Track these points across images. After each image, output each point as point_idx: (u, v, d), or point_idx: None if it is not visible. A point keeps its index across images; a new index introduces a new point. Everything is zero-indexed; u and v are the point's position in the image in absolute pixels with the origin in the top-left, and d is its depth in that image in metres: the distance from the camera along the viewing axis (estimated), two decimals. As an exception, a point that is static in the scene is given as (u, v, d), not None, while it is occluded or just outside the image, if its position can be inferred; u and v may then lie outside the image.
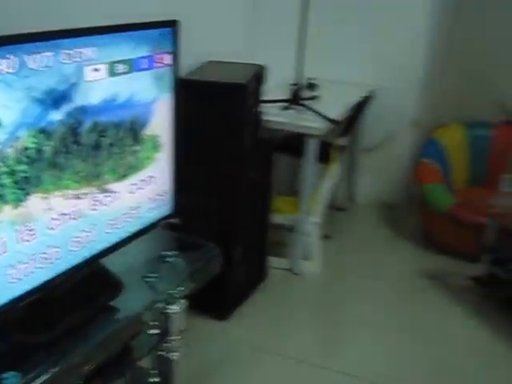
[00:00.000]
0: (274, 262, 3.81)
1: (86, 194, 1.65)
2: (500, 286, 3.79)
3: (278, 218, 3.77)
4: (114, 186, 1.74)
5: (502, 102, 5.57)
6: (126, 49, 1.68)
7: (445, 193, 4.16)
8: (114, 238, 1.80)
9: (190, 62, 3.18)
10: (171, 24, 1.84)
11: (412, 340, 3.33)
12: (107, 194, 1.72)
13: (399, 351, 3.23)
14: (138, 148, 1.81)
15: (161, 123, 1.90)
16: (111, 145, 1.69)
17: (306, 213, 3.76)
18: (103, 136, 1.65)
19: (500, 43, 5.46)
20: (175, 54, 1.88)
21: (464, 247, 4.05)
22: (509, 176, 3.63)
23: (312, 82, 4.06)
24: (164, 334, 1.82)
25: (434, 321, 3.53)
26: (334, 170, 4.04)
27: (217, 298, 3.22)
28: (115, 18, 1.66)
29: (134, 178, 1.82)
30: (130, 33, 1.69)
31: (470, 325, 3.49)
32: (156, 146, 1.90)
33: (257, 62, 3.33)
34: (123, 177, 1.77)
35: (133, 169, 1.81)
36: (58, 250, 1.61)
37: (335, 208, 4.63)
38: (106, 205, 1.74)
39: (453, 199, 4.08)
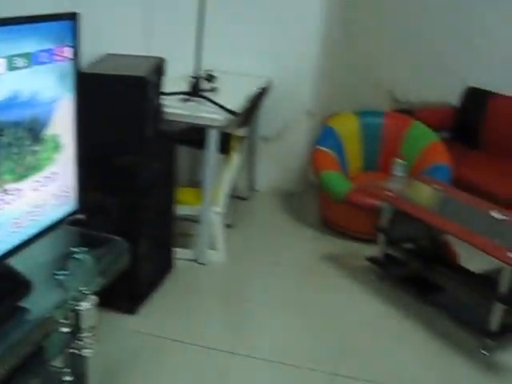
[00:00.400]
0: (179, 253, 3.79)
1: (-14, 194, 1.56)
2: (395, 265, 3.93)
3: (182, 210, 3.74)
4: (15, 186, 1.66)
5: (391, 91, 5.75)
6: (24, 42, 1.60)
7: (341, 179, 4.25)
8: (19, 237, 1.72)
9: (88, 55, 3.09)
10: (71, 16, 1.77)
11: (316, 320, 3.41)
12: (10, 193, 1.64)
13: (304, 332, 3.30)
14: (38, 148, 1.73)
15: (62, 121, 1.82)
16: (9, 144, 1.60)
17: (209, 203, 3.75)
18: (1, 135, 1.56)
19: (385, 38, 5.65)
20: (76, 47, 1.81)
21: (360, 230, 4.17)
22: (400, 161, 3.74)
23: (211, 74, 4.04)
24: (75, 331, 1.77)
25: (335, 300, 3.62)
26: (235, 160, 4.05)
27: (125, 293, 3.17)
28: (13, 10, 1.59)
29: (36, 177, 1.74)
30: (29, 25, 1.61)
31: (369, 302, 3.62)
32: (57, 146, 1.82)
33: (156, 55, 3.28)
34: (23, 177, 1.69)
35: (33, 169, 1.73)
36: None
37: (237, 197, 4.64)
38: (9, 203, 1.65)
39: (349, 185, 4.17)
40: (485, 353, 3.23)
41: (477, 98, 5.20)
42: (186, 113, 3.60)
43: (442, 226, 3.53)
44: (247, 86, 4.30)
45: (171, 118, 3.53)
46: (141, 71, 3.04)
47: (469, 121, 5.21)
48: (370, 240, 4.05)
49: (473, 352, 3.23)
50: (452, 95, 5.38)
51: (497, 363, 3.20)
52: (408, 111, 5.03)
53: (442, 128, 5.23)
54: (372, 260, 3.87)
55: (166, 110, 3.47)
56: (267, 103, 4.74)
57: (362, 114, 4.70)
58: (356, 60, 5.80)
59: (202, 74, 3.90)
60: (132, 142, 3.07)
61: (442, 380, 3.02)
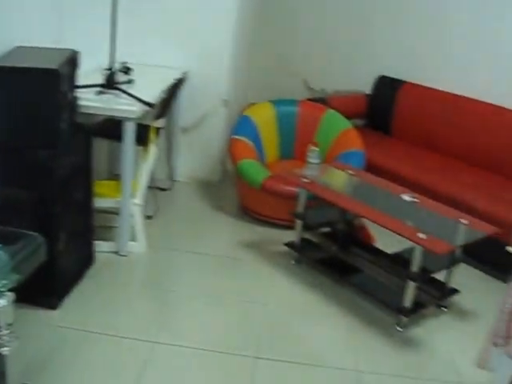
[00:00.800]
0: (100, 246, 3.74)
1: None
2: (312, 249, 4.00)
3: (101, 203, 3.69)
4: None
5: (306, 80, 5.84)
6: None
7: (258, 167, 4.29)
8: None
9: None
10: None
11: (237, 306, 3.44)
12: None
13: (226, 318, 3.32)
14: None
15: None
16: None
17: (128, 195, 3.72)
18: None
19: (301, 28, 5.72)
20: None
21: (278, 216, 4.23)
22: (314, 148, 3.81)
23: (127, 66, 3.99)
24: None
25: (255, 286, 3.66)
26: (152, 151, 4.02)
27: (45, 288, 3.11)
28: None
29: None
30: None
31: (288, 286, 3.68)
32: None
33: (70, 48, 3.21)
34: None
35: None
36: None
37: (157, 188, 4.62)
38: None
39: (265, 173, 4.21)
40: (399, 329, 3.34)
41: (388, 86, 5.34)
42: (101, 105, 3.54)
43: (356, 209, 3.62)
44: (163, 77, 4.28)
45: (87, 111, 3.48)
46: (53, 63, 2.96)
47: (380, 108, 5.35)
48: (287, 226, 4.12)
49: (389, 329, 3.35)
50: (365, 84, 5.51)
51: (411, 338, 3.31)
52: (322, 99, 5.12)
53: (356, 115, 5.36)
54: (290, 245, 3.94)
55: (81, 103, 3.41)
56: (184, 94, 4.73)
57: (277, 102, 4.75)
58: (272, 49, 5.86)
59: (118, 66, 3.85)
60: (46, 136, 2.99)
61: (361, 358, 3.10)
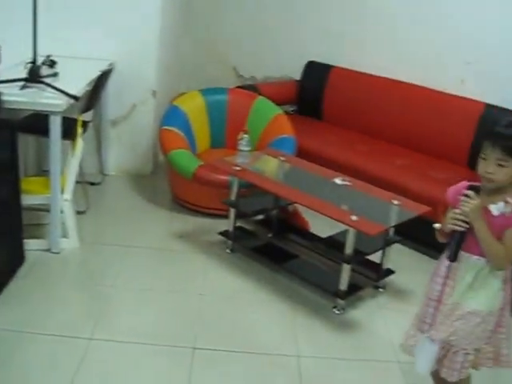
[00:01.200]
0: (31, 244, 3.62)
1: None
2: (246, 237, 3.99)
3: (30, 200, 3.57)
4: None
5: (236, 68, 5.81)
6: None
7: (189, 157, 4.23)
8: None
9: None
10: None
11: (174, 297, 3.40)
12: None
13: (162, 311, 3.28)
14: None
15: None
16: None
17: (57, 191, 3.61)
18: None
19: (229, 15, 5.68)
20: None
21: (212, 206, 4.20)
22: (245, 135, 3.78)
23: (51, 59, 3.87)
24: None
25: (190, 277, 3.62)
26: (80, 145, 3.91)
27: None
28: None
29: None
30: None
31: (224, 276, 3.66)
32: None
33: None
34: None
35: None
36: None
37: (88, 183, 4.50)
38: None
39: (197, 162, 4.16)
40: (337, 312, 3.37)
41: (316, 72, 5.35)
42: (24, 100, 3.43)
43: (289, 195, 3.62)
44: (89, 69, 4.19)
45: (10, 106, 3.36)
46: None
47: (310, 94, 5.36)
48: (222, 215, 4.08)
49: (327, 313, 3.36)
50: (295, 70, 5.51)
51: (349, 320, 3.34)
52: (252, 87, 5.09)
53: (286, 102, 5.36)
54: (224, 234, 3.91)
55: (4, 98, 3.29)
56: (112, 86, 4.63)
57: (206, 91, 4.69)
58: (201, 38, 5.81)
59: (42, 59, 3.73)
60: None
61: (300, 343, 3.10)
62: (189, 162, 4.17)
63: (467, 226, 2.22)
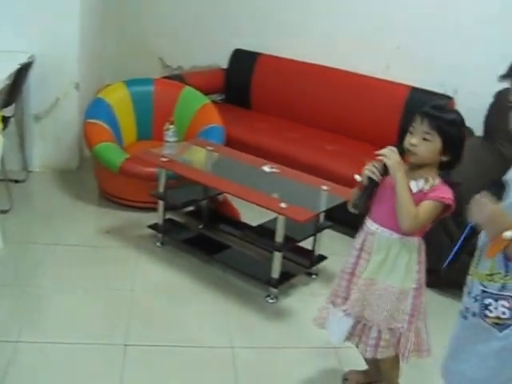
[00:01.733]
0: None
1: None
2: (177, 229, 3.90)
3: None
4: None
5: (162, 58, 5.69)
6: None
7: (115, 150, 4.10)
8: None
9: None
10: None
11: (104, 294, 3.29)
12: None
13: (93, 308, 3.17)
14: None
15: None
16: None
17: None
18: None
19: (155, 4, 5.56)
20: None
21: (141, 199, 4.08)
22: (170, 126, 3.68)
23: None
24: None
25: (121, 272, 3.51)
26: (1, 141, 3.74)
27: None
28: None
29: None
30: None
31: (155, 269, 3.57)
32: None
33: None
34: None
35: None
36: None
37: (11, 180, 4.31)
38: None
39: (124, 155, 4.03)
40: (270, 301, 3.32)
41: (244, 60, 5.28)
42: None
43: (217, 185, 3.55)
44: (7, 62, 4.00)
45: None
46: None
47: (238, 82, 5.28)
48: (151, 208, 3.96)
49: (261, 302, 3.32)
50: (222, 58, 5.42)
51: (283, 309, 3.30)
52: (179, 77, 4.98)
53: (214, 91, 5.28)
54: (154, 227, 3.80)
55: None
56: (33, 79, 4.43)
57: (131, 82, 4.55)
58: (127, 29, 5.67)
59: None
60: None
61: (234, 334, 3.04)
62: (115, 156, 4.04)
63: (380, 178, 2.27)
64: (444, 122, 2.23)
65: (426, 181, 2.27)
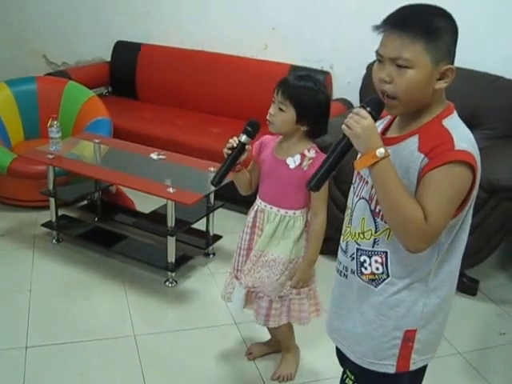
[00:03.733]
0: None
1: None
2: (72, 225, 3.78)
3: None
4: None
5: (46, 56, 5.46)
6: None
7: (2, 152, 3.90)
8: None
9: None
10: None
11: (2, 298, 3.13)
12: None
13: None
14: None
15: None
16: None
17: None
18: None
19: (33, 4, 5.34)
20: None
21: (33, 198, 3.91)
22: (54, 122, 3.54)
23: None
24: None
25: (18, 273, 3.36)
26: None
27: None
28: None
29: None
30: None
31: (54, 268, 3.43)
32: None
33: None
34: None
35: None
36: None
37: None
38: None
39: (11, 156, 3.84)
40: (170, 285, 3.27)
41: (126, 51, 5.13)
42: None
43: (106, 177, 3.46)
44: None
45: None
46: None
47: (122, 74, 5.12)
48: (46, 206, 3.81)
49: (161, 288, 3.27)
50: (106, 51, 5.24)
51: (183, 291, 3.27)
52: (63, 73, 4.79)
53: (100, 84, 5.13)
54: (48, 225, 3.66)
55: None
56: None
57: (13, 82, 4.34)
58: (8, 29, 5.41)
59: None
60: None
61: (136, 323, 2.98)
62: (2, 157, 3.84)
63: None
64: (298, 91, 2.19)
65: (302, 156, 2.25)
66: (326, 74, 4.39)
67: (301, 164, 2.26)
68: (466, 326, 3.08)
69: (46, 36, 5.47)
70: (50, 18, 5.40)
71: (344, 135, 1.50)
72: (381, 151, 1.44)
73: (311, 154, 2.26)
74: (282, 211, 2.32)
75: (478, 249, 3.17)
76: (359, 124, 1.46)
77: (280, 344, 2.72)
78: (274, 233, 2.35)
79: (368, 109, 1.48)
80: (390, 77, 1.48)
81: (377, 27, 1.50)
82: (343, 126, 1.49)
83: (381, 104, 1.52)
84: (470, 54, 3.26)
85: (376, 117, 1.50)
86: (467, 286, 3.32)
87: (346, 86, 4.45)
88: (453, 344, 2.89)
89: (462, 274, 3.25)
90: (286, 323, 2.49)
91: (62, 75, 4.68)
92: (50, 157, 3.45)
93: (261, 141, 2.42)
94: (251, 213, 2.43)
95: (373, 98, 1.52)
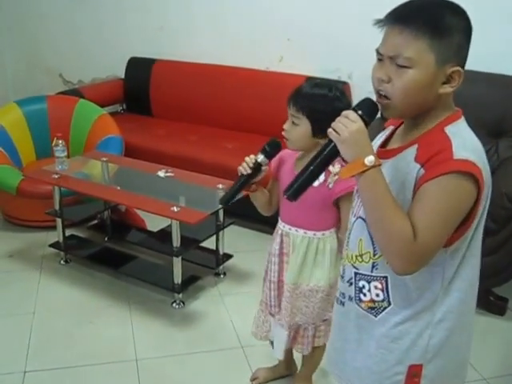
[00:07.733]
0: None
1: None
2: (81, 245, 3.73)
3: None
4: None
5: (62, 75, 5.48)
6: None
7: (11, 172, 3.87)
8: None
9: None
10: None
11: (4, 321, 3.08)
12: None
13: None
14: None
15: None
16: None
17: None
18: None
19: (52, 24, 5.37)
20: None
21: (41, 218, 3.86)
22: (59, 141, 3.49)
23: None
24: None
25: (24, 295, 3.30)
26: None
27: None
28: None
29: None
30: None
31: (58, 288, 3.37)
32: None
33: None
34: None
35: None
36: None
37: None
38: None
39: (19, 176, 3.79)
40: (176, 307, 3.18)
41: (140, 67, 5.08)
42: None
43: (110, 197, 3.39)
44: None
45: None
46: None
47: (136, 90, 5.08)
48: (55, 226, 3.76)
49: (167, 309, 3.18)
50: (120, 68, 5.22)
51: (191, 313, 3.17)
52: (76, 91, 4.77)
53: (114, 101, 5.09)
54: (55, 246, 3.60)
55: None
56: None
57: (24, 102, 4.33)
58: (26, 49, 5.45)
59: None
60: None
61: (141, 346, 2.89)
62: (11, 177, 3.81)
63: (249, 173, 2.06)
64: (310, 101, 2.00)
65: (327, 173, 2.02)
66: (344, 84, 4.26)
67: (325, 181, 2.04)
68: (492, 349, 2.89)
69: (62, 55, 5.48)
70: (66, 36, 5.42)
71: (330, 140, 1.38)
72: (370, 159, 1.30)
73: (336, 168, 2.01)
74: (310, 233, 2.13)
75: (506, 264, 2.99)
76: (347, 128, 1.32)
77: (288, 370, 2.61)
78: (303, 260, 2.15)
79: (359, 112, 1.35)
80: (388, 76, 1.36)
81: (378, 21, 1.38)
82: (329, 130, 1.35)
83: (374, 107, 1.39)
84: (500, 58, 3.15)
85: (368, 121, 1.36)
86: (495, 305, 3.13)
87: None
88: (477, 369, 2.71)
89: (489, 293, 3.10)
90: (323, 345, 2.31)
91: (75, 94, 4.65)
92: (56, 176, 3.39)
93: (280, 156, 2.19)
94: (276, 238, 2.23)
95: (365, 101, 1.40)
